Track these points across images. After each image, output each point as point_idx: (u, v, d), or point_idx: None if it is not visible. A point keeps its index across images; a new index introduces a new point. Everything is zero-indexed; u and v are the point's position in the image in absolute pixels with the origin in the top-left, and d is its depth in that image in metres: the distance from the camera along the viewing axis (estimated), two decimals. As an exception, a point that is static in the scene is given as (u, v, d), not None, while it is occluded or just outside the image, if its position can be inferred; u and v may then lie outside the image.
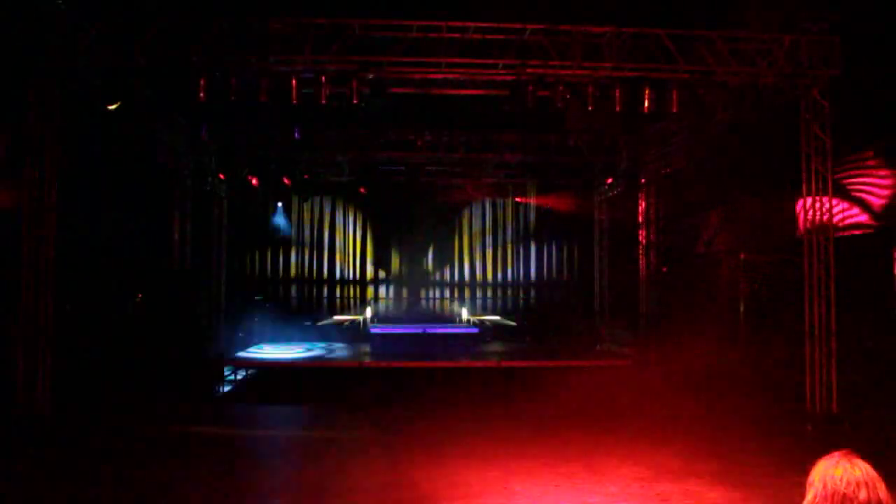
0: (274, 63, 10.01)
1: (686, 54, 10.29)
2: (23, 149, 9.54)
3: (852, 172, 11.50)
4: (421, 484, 7.22)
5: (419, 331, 16.57)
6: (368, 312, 19.52)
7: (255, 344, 16.97)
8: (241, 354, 15.55)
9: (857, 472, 1.81)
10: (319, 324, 19.01)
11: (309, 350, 16.78)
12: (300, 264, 20.82)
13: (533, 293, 21.41)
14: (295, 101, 10.10)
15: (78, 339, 10.83)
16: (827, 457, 1.88)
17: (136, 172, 13.42)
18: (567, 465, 7.93)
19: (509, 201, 21.31)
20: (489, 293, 21.60)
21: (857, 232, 11.37)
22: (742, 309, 14.11)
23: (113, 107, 10.45)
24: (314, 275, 20.93)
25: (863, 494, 1.79)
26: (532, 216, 21.19)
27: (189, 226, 16.07)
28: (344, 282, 21.23)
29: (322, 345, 17.65)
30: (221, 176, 17.30)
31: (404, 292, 21.39)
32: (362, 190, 18.78)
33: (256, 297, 19.00)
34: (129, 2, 9.77)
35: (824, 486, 1.83)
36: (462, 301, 21.16)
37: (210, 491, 7.01)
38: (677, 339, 13.49)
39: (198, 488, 7.06)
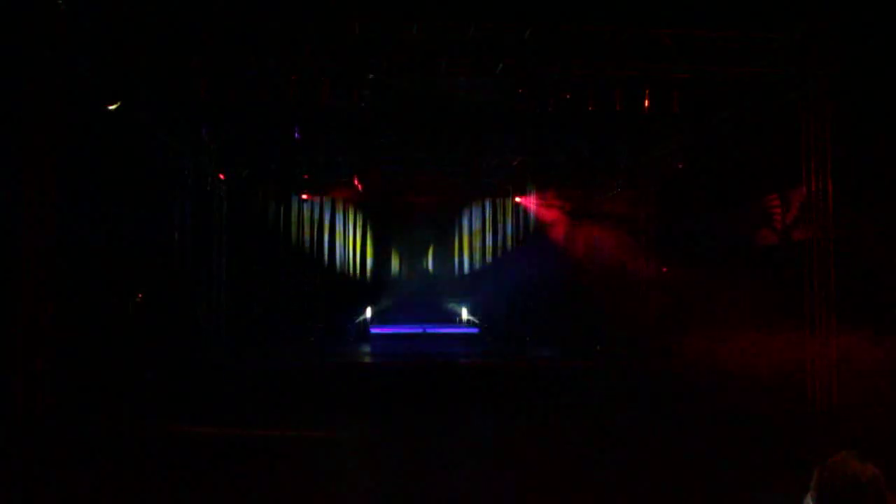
0: (274, 63, 10.00)
1: (687, 54, 10.28)
2: (23, 149, 9.52)
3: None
4: (422, 485, 7.21)
5: (419, 331, 16.58)
6: (368, 312, 19.53)
7: (256, 344, 16.95)
8: (241, 354, 15.54)
9: (864, 475, 1.79)
10: (320, 324, 19.02)
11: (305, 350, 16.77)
12: (300, 264, 20.80)
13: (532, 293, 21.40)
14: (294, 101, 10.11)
15: (78, 339, 10.81)
16: (833, 456, 1.87)
17: (136, 172, 13.40)
18: (568, 469, 7.92)
19: (509, 201, 21.31)
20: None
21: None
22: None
23: (113, 107, 10.44)
24: (314, 275, 20.92)
25: (869, 496, 1.78)
26: (532, 216, 21.19)
27: (189, 226, 16.06)
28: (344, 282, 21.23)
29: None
30: (221, 176, 17.29)
31: (404, 292, 21.40)
32: (360, 186, 18.71)
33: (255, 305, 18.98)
34: (129, 2, 9.75)
35: (830, 486, 1.82)
36: (462, 301, 21.17)
37: (210, 491, 7.00)
38: (678, 338, 13.49)
39: (198, 489, 7.05)
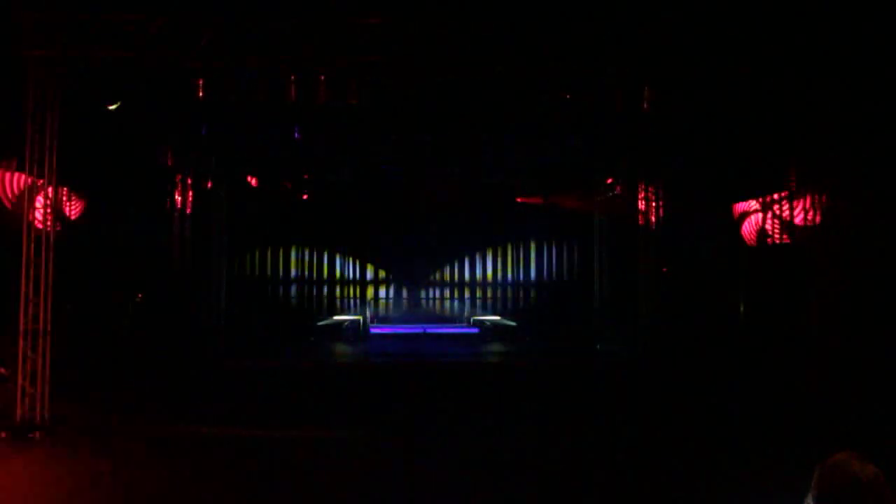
0: (274, 63, 9.99)
1: (688, 52, 10.24)
2: (23, 149, 9.52)
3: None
4: (422, 485, 7.21)
5: (419, 331, 16.59)
6: (368, 312, 19.53)
7: (256, 344, 16.96)
8: (241, 354, 15.54)
9: (864, 475, 1.79)
10: (319, 324, 19.01)
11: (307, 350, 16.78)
12: (300, 264, 20.81)
13: (533, 293, 21.41)
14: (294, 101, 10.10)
15: (78, 338, 10.82)
16: (833, 456, 1.86)
17: (136, 172, 13.41)
18: (568, 470, 7.92)
19: (509, 202, 21.30)
20: (489, 293, 21.60)
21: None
22: (742, 309, 14.11)
23: (113, 107, 10.44)
24: (314, 275, 20.93)
25: (869, 496, 1.77)
26: (532, 216, 21.18)
27: (189, 226, 16.05)
28: (344, 282, 21.22)
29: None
30: (221, 176, 17.29)
31: (404, 292, 21.39)
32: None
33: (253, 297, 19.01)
34: (129, 1, 9.75)
35: (830, 486, 1.81)
36: (462, 301, 21.16)
37: (211, 492, 7.00)
38: (677, 338, 13.50)
39: (197, 489, 7.05)
